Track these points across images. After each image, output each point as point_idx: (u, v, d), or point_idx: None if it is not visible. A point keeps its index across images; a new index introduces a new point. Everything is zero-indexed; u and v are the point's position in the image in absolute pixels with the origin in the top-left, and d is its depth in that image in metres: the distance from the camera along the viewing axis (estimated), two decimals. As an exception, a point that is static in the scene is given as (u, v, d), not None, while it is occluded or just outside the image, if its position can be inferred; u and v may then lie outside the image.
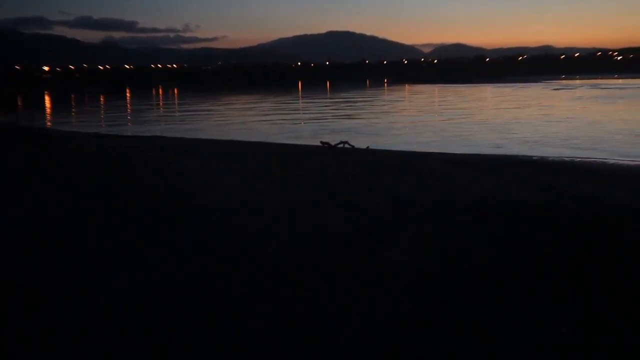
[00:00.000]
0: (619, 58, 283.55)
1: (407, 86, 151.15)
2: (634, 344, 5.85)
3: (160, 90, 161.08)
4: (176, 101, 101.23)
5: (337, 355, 5.80)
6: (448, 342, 5.98)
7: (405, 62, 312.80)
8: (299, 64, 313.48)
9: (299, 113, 60.92)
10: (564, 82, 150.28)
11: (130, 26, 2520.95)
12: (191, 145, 28.17)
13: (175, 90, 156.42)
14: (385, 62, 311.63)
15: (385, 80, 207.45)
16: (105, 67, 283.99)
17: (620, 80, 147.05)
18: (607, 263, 8.28)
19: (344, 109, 63.93)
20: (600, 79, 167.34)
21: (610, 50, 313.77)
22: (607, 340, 5.90)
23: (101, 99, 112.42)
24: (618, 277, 7.71)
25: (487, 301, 6.99)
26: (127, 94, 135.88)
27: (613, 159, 23.32)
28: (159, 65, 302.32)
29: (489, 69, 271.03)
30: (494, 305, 6.84)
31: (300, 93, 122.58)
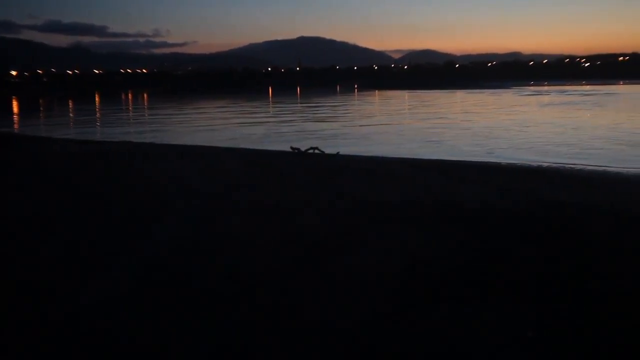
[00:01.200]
0: (586, 64, 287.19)
1: (377, 92, 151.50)
2: (598, 345, 5.90)
3: (130, 95, 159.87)
4: (145, 106, 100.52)
5: (304, 356, 5.78)
6: (416, 344, 5.99)
7: (376, 67, 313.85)
8: (270, 69, 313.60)
9: (269, 118, 60.79)
10: (533, 88, 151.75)
11: (100, 31, 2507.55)
12: (161, 150, 27.98)
13: (145, 95, 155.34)
14: (355, 67, 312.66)
15: (356, 86, 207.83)
16: (74, 72, 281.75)
17: (587, 87, 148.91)
18: (572, 265, 8.36)
19: (315, 114, 63.92)
20: (569, 85, 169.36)
21: (577, 56, 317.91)
22: (573, 342, 5.96)
23: (69, 104, 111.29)
24: (583, 278, 7.79)
25: (454, 304, 7.02)
26: (97, 99, 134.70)
27: (579, 164, 23.63)
28: (128, 70, 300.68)
29: (459, 74, 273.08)
30: (461, 308, 6.87)
31: (270, 98, 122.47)
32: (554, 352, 5.78)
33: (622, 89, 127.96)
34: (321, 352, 5.89)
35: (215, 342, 6.12)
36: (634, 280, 7.63)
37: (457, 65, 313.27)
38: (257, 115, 65.35)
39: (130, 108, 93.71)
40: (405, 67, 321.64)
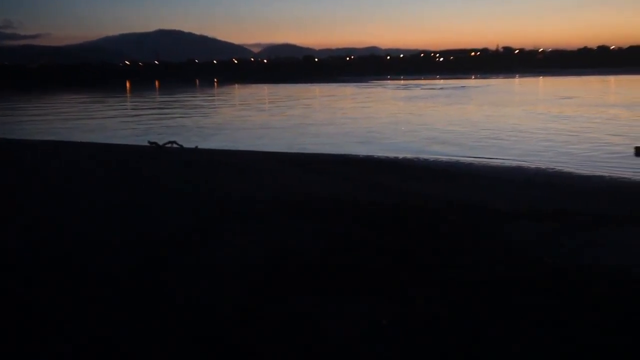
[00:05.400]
0: (440, 59, 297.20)
1: (237, 86, 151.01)
2: (449, 332, 6.17)
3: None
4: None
5: (160, 340, 5.77)
6: (272, 337, 6.02)
7: (236, 61, 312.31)
8: (127, 62, 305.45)
9: (127, 112, 59.38)
10: (390, 82, 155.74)
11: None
12: (17, 146, 26.81)
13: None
14: (215, 61, 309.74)
15: (216, 80, 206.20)
16: None
17: (441, 81, 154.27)
18: (428, 255, 8.69)
19: (173, 108, 62.94)
20: (424, 79, 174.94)
21: (432, 52, 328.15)
22: (425, 331, 6.14)
23: None
24: (437, 268, 8.09)
25: (312, 296, 7.11)
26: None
27: (434, 156, 24.48)
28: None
29: (318, 68, 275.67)
30: (319, 300, 6.96)
31: (128, 92, 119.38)
32: (408, 339, 5.95)
33: (474, 83, 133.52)
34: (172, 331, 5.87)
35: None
36: (489, 271, 7.96)
37: (316, 60, 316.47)
38: (114, 109, 63.56)
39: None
40: (265, 61, 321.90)
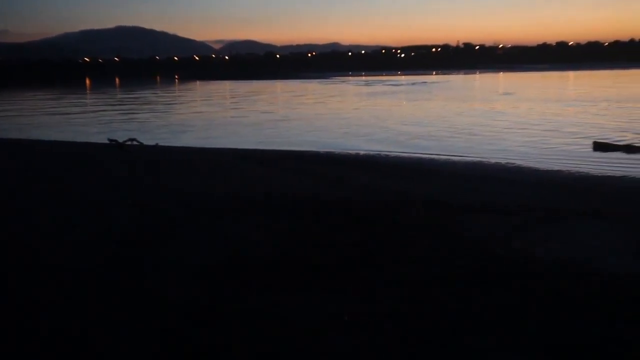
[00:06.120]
0: (402, 55, 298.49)
1: (198, 82, 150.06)
2: (409, 326, 6.22)
3: None
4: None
5: (118, 340, 5.72)
6: (232, 335, 6.00)
7: (197, 58, 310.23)
8: (87, 59, 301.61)
9: (87, 109, 58.64)
10: (352, 78, 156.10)
11: None
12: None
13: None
14: (176, 58, 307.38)
15: (177, 77, 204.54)
16: None
17: (403, 77, 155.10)
18: (386, 251, 8.73)
19: (134, 106, 62.38)
20: (385, 75, 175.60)
21: (393, 47, 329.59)
22: (387, 325, 6.18)
23: None
24: (396, 264, 8.15)
25: (273, 292, 7.11)
26: None
27: (395, 153, 24.62)
28: None
29: (279, 65, 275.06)
30: (282, 297, 6.96)
31: (88, 90, 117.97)
32: (368, 333, 5.98)
33: (435, 79, 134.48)
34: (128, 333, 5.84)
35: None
36: (447, 265, 8.04)
37: (277, 56, 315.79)
38: (74, 106, 62.75)
39: None
40: (227, 57, 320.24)
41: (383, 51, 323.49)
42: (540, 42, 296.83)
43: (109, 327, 6.20)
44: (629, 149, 23.54)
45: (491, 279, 7.40)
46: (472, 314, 6.37)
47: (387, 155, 23.51)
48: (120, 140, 26.11)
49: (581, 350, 5.54)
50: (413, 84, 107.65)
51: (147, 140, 27.06)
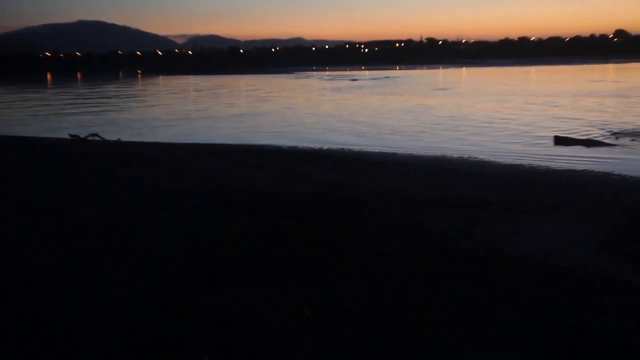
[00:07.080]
0: (365, 50, 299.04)
1: (161, 77, 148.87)
2: (369, 318, 6.26)
3: None
4: None
5: (91, 328, 5.67)
6: (200, 328, 6.00)
7: (160, 53, 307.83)
8: (48, 54, 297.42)
9: (49, 105, 57.82)
10: (316, 73, 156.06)
11: None
12: None
13: None
14: (138, 52, 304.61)
15: (139, 72, 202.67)
16: None
17: (367, 72, 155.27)
18: (350, 244, 8.78)
19: (95, 100, 61.68)
20: (349, 70, 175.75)
21: (357, 43, 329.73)
22: (348, 317, 6.24)
23: None
24: (359, 257, 8.19)
25: (238, 287, 7.11)
26: None
27: (359, 147, 24.65)
28: None
29: (243, 60, 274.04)
30: (244, 292, 6.97)
31: (49, 85, 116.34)
32: (329, 327, 6.03)
33: (398, 74, 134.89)
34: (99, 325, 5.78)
35: None
36: (410, 258, 8.10)
37: (241, 51, 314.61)
38: (33, 102, 61.82)
39: None
40: (190, 52, 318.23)
41: (347, 46, 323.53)
42: (503, 37, 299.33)
43: (66, 318, 6.14)
44: (589, 142, 23.86)
45: (454, 272, 7.47)
46: (435, 306, 6.42)
47: (351, 150, 23.51)
48: (82, 136, 25.82)
49: (546, 342, 5.61)
50: (374, 78, 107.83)
51: (109, 135, 26.75)
